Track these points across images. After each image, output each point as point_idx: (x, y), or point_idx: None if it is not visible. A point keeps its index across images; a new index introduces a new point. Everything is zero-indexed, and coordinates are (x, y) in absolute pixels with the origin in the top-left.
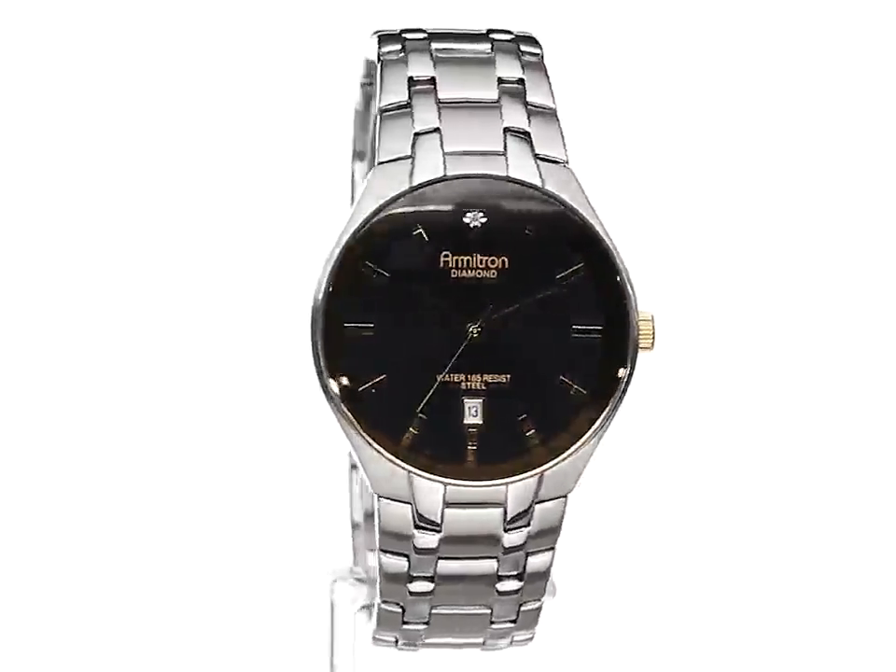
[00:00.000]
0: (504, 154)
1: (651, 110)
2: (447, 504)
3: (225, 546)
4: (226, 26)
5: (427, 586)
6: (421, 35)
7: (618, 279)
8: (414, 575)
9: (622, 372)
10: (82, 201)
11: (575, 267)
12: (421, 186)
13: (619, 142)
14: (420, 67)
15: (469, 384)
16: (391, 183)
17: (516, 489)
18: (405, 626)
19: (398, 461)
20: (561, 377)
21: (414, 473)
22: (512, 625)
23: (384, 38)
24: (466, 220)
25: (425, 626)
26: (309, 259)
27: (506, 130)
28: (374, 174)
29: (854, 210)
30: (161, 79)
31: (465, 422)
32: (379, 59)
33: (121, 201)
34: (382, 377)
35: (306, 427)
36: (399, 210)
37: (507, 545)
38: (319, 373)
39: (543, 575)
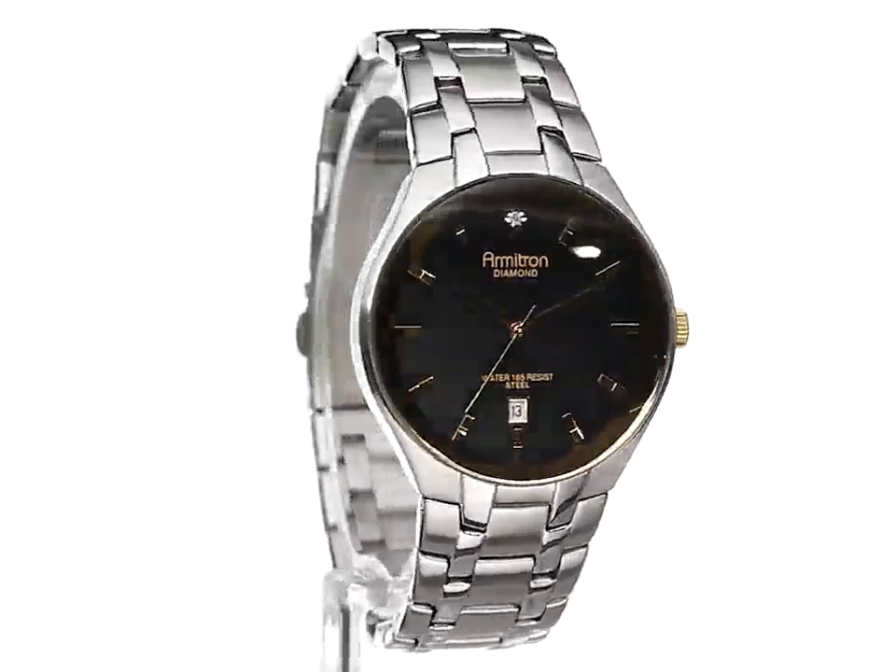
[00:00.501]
0: (542, 153)
1: (648, 110)
2: (495, 504)
3: (197, 550)
4: (189, 24)
5: (463, 587)
6: (434, 35)
7: (657, 275)
8: (452, 576)
9: (662, 369)
10: (57, 200)
11: (613, 264)
12: (466, 186)
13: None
14: (444, 68)
15: (513, 383)
16: (436, 184)
17: (563, 487)
18: (432, 627)
19: (450, 462)
20: (602, 375)
21: (466, 474)
22: (535, 623)
23: (398, 38)
24: (507, 220)
25: (451, 627)
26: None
27: (540, 129)
28: (417, 175)
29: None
30: (129, 78)
31: (510, 421)
32: (399, 59)
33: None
34: (429, 378)
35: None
36: (444, 211)
37: (546, 543)
38: (370, 375)
39: (575, 572)
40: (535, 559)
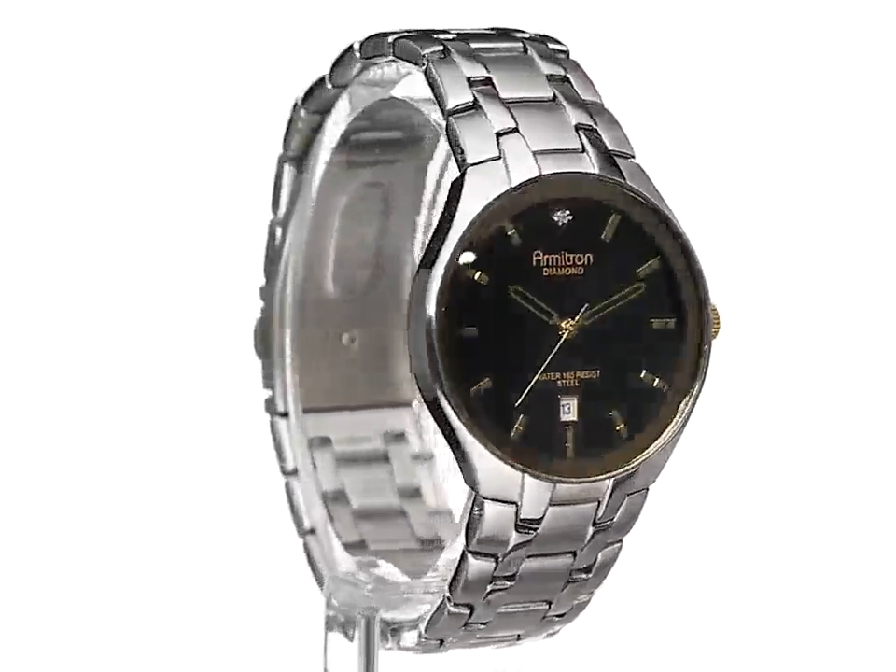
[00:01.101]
0: (584, 151)
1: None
2: (552, 503)
3: (149, 559)
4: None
5: (506, 585)
6: (451, 36)
7: (695, 270)
8: (496, 576)
9: (700, 363)
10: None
11: (652, 261)
12: (519, 186)
13: None
14: (473, 68)
15: (563, 381)
16: (490, 184)
17: (615, 483)
18: (465, 628)
19: (512, 461)
20: (644, 371)
21: (528, 472)
22: (559, 619)
23: (418, 39)
24: (555, 219)
25: (483, 627)
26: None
27: (577, 127)
28: (469, 175)
29: None
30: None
31: (561, 419)
32: (425, 59)
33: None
34: (486, 379)
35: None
36: (499, 212)
37: (588, 540)
38: (436, 378)
39: (608, 567)
40: (575, 556)
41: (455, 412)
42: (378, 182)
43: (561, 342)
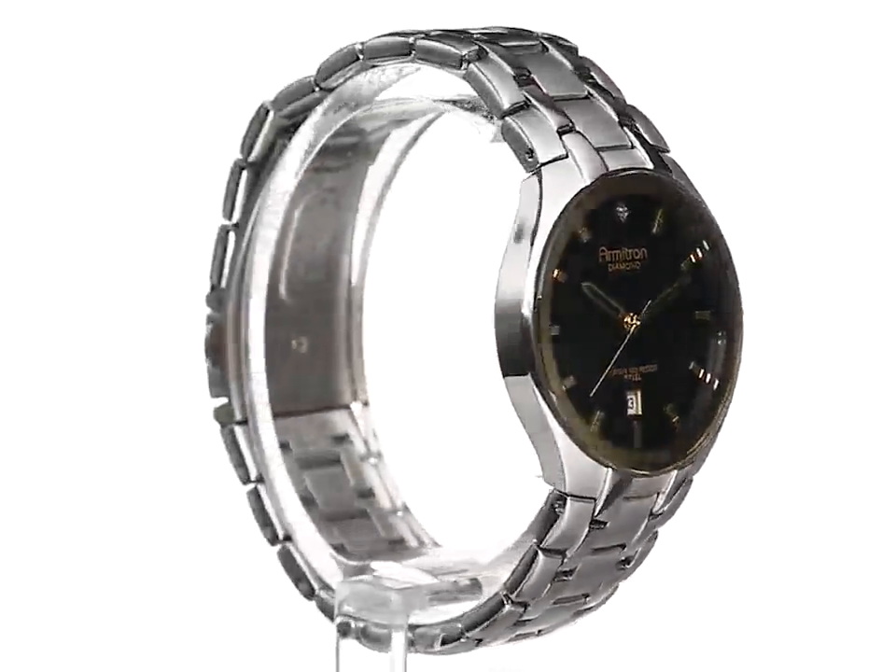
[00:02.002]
0: (633, 147)
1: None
2: (626, 497)
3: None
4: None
5: (565, 581)
6: (476, 35)
7: (730, 262)
8: (559, 572)
9: (736, 353)
10: None
11: (692, 253)
12: (592, 183)
13: None
14: (514, 67)
15: (629, 375)
16: (563, 183)
17: (675, 476)
18: (515, 626)
19: (598, 456)
20: (692, 363)
21: (611, 467)
22: (586, 612)
23: (449, 38)
24: (616, 214)
25: (527, 623)
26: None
27: (621, 124)
28: (545, 175)
29: None
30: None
31: (628, 413)
32: (465, 60)
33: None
34: (570, 377)
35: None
36: (577, 211)
37: (642, 532)
38: (537, 380)
39: (643, 558)
40: (623, 548)
41: (550, 410)
42: (335, 187)
43: (629, 336)
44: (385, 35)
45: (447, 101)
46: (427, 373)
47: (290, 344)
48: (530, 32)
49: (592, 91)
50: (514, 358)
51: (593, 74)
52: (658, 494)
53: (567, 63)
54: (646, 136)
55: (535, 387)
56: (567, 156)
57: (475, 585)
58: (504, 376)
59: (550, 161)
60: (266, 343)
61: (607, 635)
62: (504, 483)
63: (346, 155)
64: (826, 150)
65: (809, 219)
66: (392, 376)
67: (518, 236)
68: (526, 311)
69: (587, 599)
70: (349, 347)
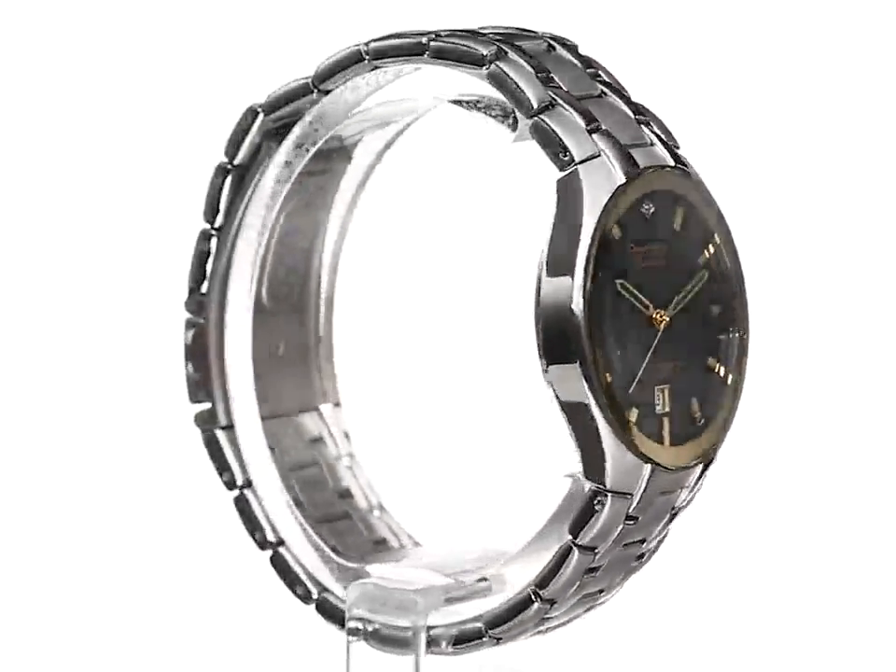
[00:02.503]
0: (653, 144)
1: None
2: (659, 492)
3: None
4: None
5: (593, 576)
6: (490, 33)
7: (736, 257)
8: (590, 567)
9: (745, 345)
10: None
11: (707, 248)
12: (627, 182)
13: None
14: (535, 66)
15: (657, 372)
16: (599, 182)
17: (699, 471)
18: (538, 624)
19: (638, 453)
20: (710, 358)
21: (651, 463)
22: (595, 608)
23: (462, 38)
24: (643, 211)
25: (551, 619)
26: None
27: (638, 122)
28: (583, 174)
29: None
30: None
31: (657, 409)
32: (488, 60)
33: None
34: (608, 375)
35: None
36: (613, 210)
37: (661, 527)
38: (586, 374)
39: (654, 553)
40: (643, 543)
41: (597, 404)
42: (316, 189)
43: (660, 332)
44: (391, 36)
45: (458, 101)
46: (397, 373)
47: (272, 347)
48: (534, 31)
49: (604, 90)
50: (563, 353)
51: (599, 73)
52: (682, 489)
53: (577, 62)
54: (660, 133)
55: (584, 381)
56: (599, 154)
57: (486, 585)
58: (547, 367)
59: (586, 160)
60: (253, 346)
61: (607, 634)
62: (481, 479)
63: (331, 157)
64: (824, 150)
65: (809, 219)
66: (363, 376)
67: (561, 233)
68: (576, 306)
69: (601, 594)
70: (319, 348)
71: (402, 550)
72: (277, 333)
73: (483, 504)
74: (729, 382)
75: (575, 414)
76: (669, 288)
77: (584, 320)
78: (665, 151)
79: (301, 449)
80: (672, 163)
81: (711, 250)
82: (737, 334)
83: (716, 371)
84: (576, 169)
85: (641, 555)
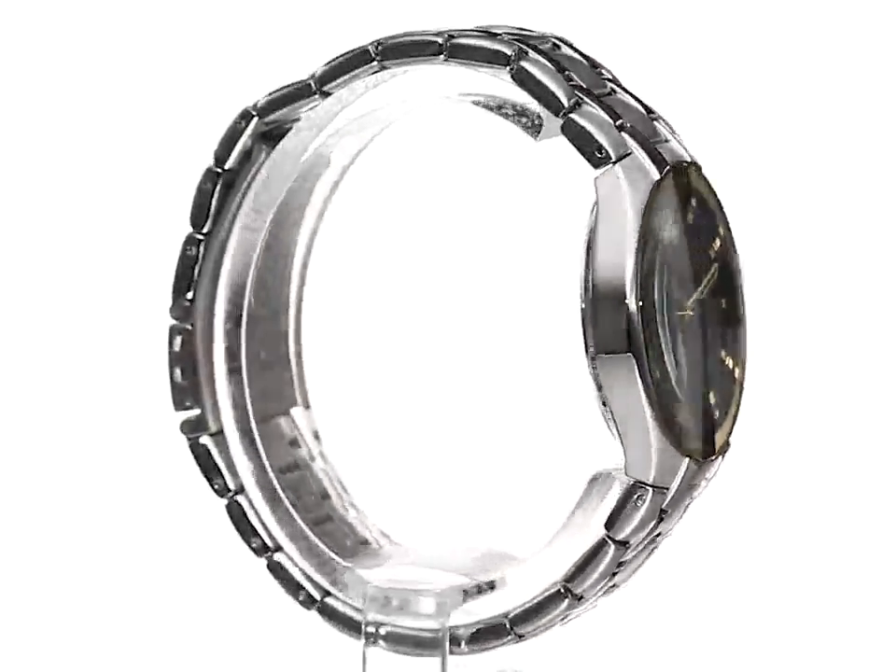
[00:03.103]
0: (669, 140)
1: None
2: (689, 486)
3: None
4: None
5: (620, 571)
6: (502, 33)
7: (736, 251)
8: (622, 561)
9: (745, 339)
10: None
11: (715, 241)
12: (662, 178)
13: None
14: (552, 64)
15: (691, 366)
16: (639, 178)
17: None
18: (563, 619)
19: (679, 447)
20: (721, 351)
21: (690, 457)
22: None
23: (478, 37)
24: (673, 207)
25: (572, 614)
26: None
27: (651, 118)
28: (621, 173)
29: None
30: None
31: (693, 405)
32: (513, 59)
33: None
34: (658, 369)
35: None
36: (649, 206)
37: (678, 520)
38: (640, 367)
39: (657, 548)
40: (659, 536)
41: (647, 397)
42: (303, 192)
43: (688, 326)
44: (402, 35)
45: (477, 102)
46: (367, 373)
47: (257, 352)
48: (538, 31)
49: (613, 87)
50: (617, 347)
51: (603, 71)
52: (705, 480)
53: (584, 61)
54: (672, 129)
55: (637, 375)
56: (631, 152)
57: (493, 585)
58: (596, 362)
59: (622, 157)
60: (248, 352)
61: (606, 635)
62: (454, 478)
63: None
64: (822, 150)
65: (809, 219)
66: (332, 377)
67: (608, 231)
68: (632, 301)
69: (613, 588)
70: (288, 350)
71: (383, 549)
72: (262, 336)
73: (463, 503)
74: (735, 374)
75: (622, 409)
76: (692, 283)
77: (640, 312)
78: (680, 147)
79: (284, 452)
80: (689, 159)
81: (719, 243)
82: (739, 327)
83: (726, 363)
84: (614, 167)
85: (652, 550)
